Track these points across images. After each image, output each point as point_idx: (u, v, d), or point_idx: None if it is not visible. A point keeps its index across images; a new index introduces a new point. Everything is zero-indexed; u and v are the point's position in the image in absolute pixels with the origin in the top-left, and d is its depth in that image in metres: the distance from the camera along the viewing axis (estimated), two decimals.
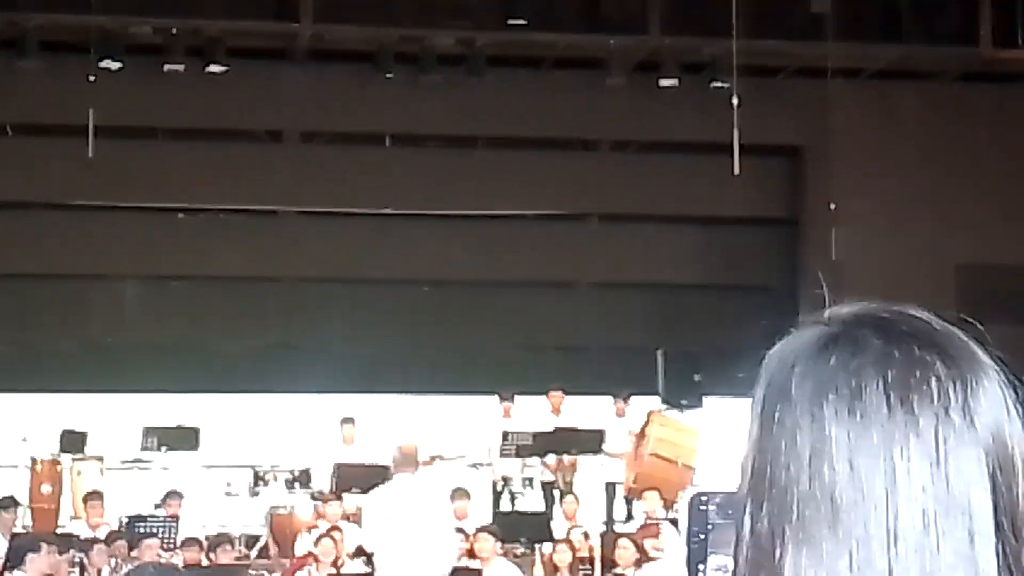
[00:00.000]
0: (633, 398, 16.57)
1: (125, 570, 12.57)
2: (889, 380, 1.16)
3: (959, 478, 1.16)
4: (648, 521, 14.17)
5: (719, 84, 17.33)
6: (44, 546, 11.61)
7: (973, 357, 1.20)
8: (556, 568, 13.42)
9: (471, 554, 12.76)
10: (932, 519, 1.15)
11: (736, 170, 16.75)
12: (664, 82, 18.07)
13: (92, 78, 16.46)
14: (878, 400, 1.16)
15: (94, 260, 18.59)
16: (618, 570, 12.67)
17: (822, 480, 1.16)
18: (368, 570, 12.75)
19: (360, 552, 13.32)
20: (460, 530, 12.64)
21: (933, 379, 1.16)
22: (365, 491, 14.34)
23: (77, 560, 12.43)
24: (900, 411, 1.16)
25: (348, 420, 16.06)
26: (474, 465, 15.80)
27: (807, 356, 1.21)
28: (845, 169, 18.20)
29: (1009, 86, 19.12)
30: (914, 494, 1.15)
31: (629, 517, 15.23)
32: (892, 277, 17.62)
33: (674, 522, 13.52)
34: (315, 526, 14.22)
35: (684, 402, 17.12)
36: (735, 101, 16.48)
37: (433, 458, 15.04)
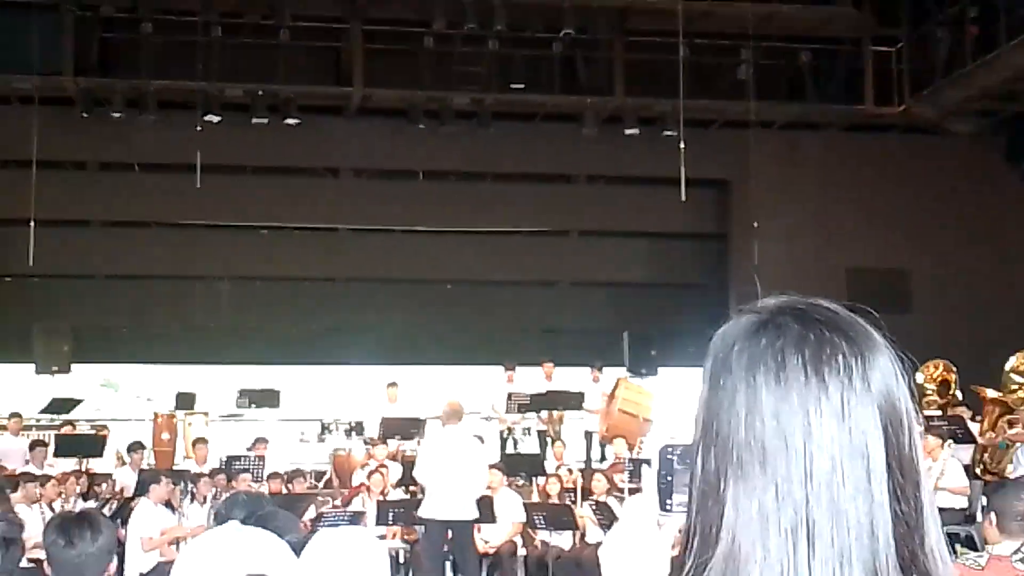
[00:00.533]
0: (605, 368, 16.57)
1: (223, 497, 12.65)
2: (806, 356, 1.17)
3: (859, 430, 1.16)
4: (616, 461, 14.17)
5: (669, 133, 17.19)
6: (163, 479, 11.74)
7: (870, 338, 1.21)
8: (548, 495, 13.25)
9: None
10: (839, 462, 1.15)
11: (683, 197, 16.75)
12: (627, 131, 18.01)
13: (199, 128, 16.54)
14: (797, 371, 1.17)
15: (198, 265, 18.59)
16: (593, 497, 12.45)
17: (755, 432, 1.17)
18: (407, 497, 12.77)
19: (401, 484, 13.27)
20: None
21: (839, 355, 1.17)
22: (404, 438, 14.63)
23: (188, 490, 12.43)
24: (814, 380, 1.16)
25: (392, 384, 16.01)
26: (486, 418, 15.76)
27: (743, 337, 1.21)
28: (761, 197, 18.15)
29: (884, 135, 19.14)
30: (824, 443, 1.15)
31: (602, 458, 15.14)
32: (798, 277, 17.57)
33: (639, 463, 13.61)
34: (366, 464, 14.08)
35: (643, 371, 17.18)
36: (681, 146, 16.35)
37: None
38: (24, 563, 3.13)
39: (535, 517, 12.45)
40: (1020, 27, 16.07)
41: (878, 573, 1.14)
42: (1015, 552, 4.99)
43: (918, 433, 1.23)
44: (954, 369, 13.69)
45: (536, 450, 15.52)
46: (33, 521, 3.89)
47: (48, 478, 11.96)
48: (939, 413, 13.09)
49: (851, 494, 1.14)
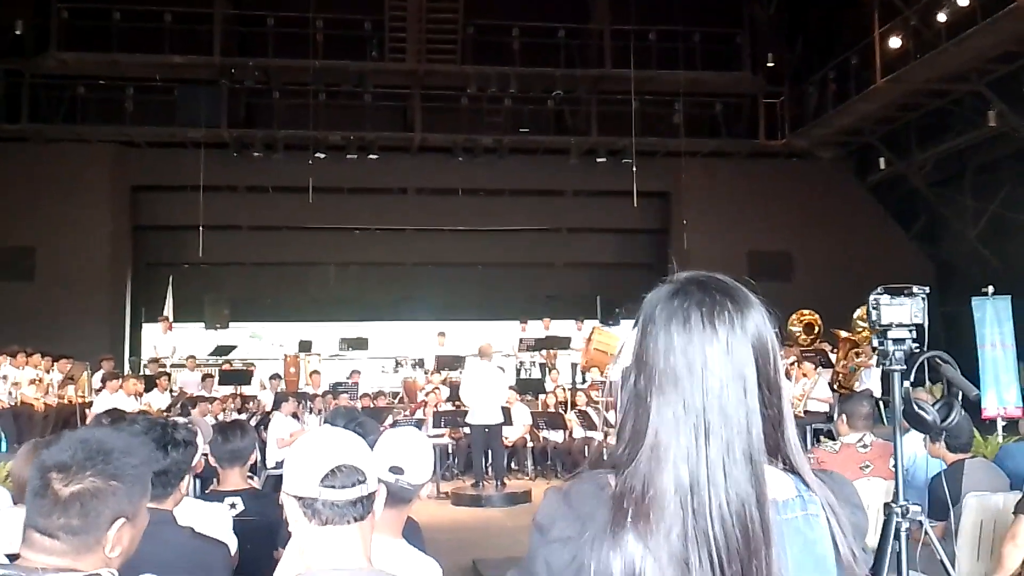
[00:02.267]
0: (586, 321, 16.44)
1: (331, 410, 12.70)
2: (703, 312, 1.19)
3: (739, 361, 1.18)
4: (592, 383, 14.13)
5: (627, 160, 17.10)
6: (291, 399, 11.79)
7: (748, 299, 1.23)
8: (547, 407, 13.33)
9: None
10: (725, 382, 1.17)
11: (635, 204, 16.82)
12: (598, 160, 17.98)
13: (310, 162, 16.67)
14: (698, 322, 1.19)
15: (313, 255, 18.63)
16: (577, 407, 12.46)
17: (669, 363, 1.18)
18: (453, 409, 12.68)
19: (450, 399, 13.20)
20: None
21: (726, 311, 1.20)
22: (450, 369, 14.60)
23: (308, 406, 12.32)
24: (709, 328, 1.18)
25: (441, 333, 16.02)
26: (507, 355, 15.61)
27: (663, 299, 1.23)
28: (690, 203, 18.02)
29: (773, 160, 19.00)
30: (716, 369, 1.17)
31: (584, 381, 15.05)
32: (715, 258, 17.54)
33: (608, 384, 13.53)
34: (425, 388, 14.09)
35: (611, 322, 17.09)
36: (634, 170, 16.45)
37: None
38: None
39: (539, 421, 12.51)
40: (864, 86, 15.95)
41: (752, 456, 1.15)
42: (858, 441, 5.01)
43: (781, 362, 1.24)
44: (818, 317, 13.68)
45: (539, 376, 15.47)
46: (205, 429, 3.93)
47: (214, 399, 12.11)
48: (809, 348, 13.11)
49: (734, 404, 1.16)
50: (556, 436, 12.26)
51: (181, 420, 3.95)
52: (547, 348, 15.57)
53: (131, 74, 17.03)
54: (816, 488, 1.22)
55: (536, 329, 16.32)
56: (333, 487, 1.71)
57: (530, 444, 12.55)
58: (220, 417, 10.86)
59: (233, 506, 3.53)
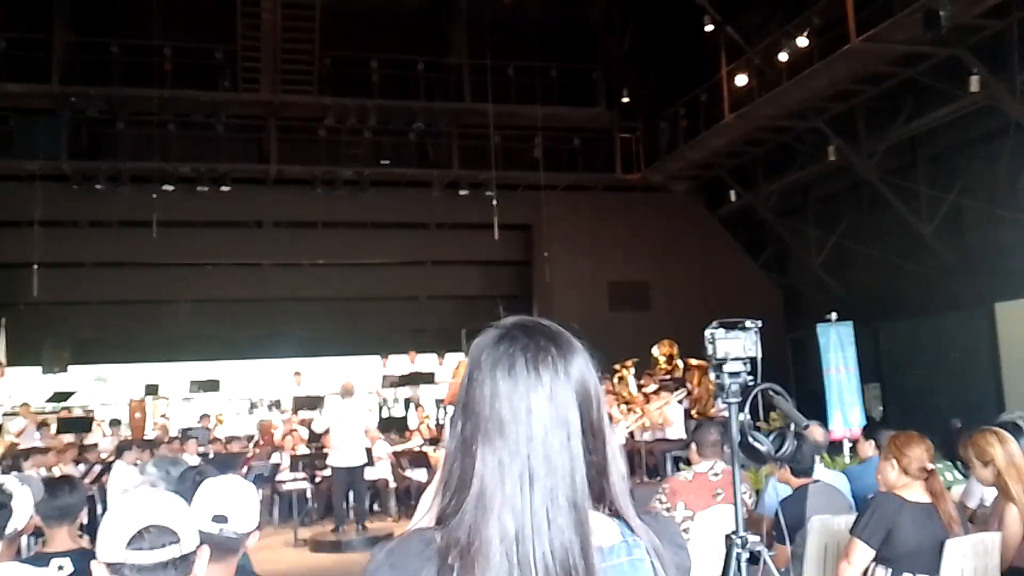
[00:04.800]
0: (448, 355, 16.28)
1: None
2: (527, 357, 1.19)
3: (562, 407, 1.19)
4: None
5: (488, 193, 17.27)
6: (135, 446, 11.07)
7: (571, 344, 1.23)
8: (410, 442, 13.22)
9: None
10: (549, 428, 1.17)
11: (496, 236, 16.96)
12: (461, 192, 18.02)
13: (154, 195, 16.04)
14: (523, 368, 1.19)
15: (163, 292, 17.86)
16: (442, 443, 12.35)
17: (495, 410, 1.18)
18: (311, 452, 12.41)
19: (310, 440, 12.81)
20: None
21: (550, 357, 1.20)
22: (311, 409, 14.02)
23: (153, 453, 11.71)
24: (534, 373, 1.19)
25: (297, 373, 15.65)
26: (369, 392, 15.26)
27: (489, 345, 1.23)
28: (551, 235, 18.33)
29: (630, 193, 19.46)
30: (540, 416, 1.17)
31: (447, 417, 14.90)
32: (576, 288, 18.03)
33: None
34: (280, 429, 13.80)
35: None
36: (495, 203, 16.63)
37: None
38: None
39: (402, 460, 12.30)
40: (713, 122, 16.70)
41: (576, 502, 1.16)
42: (710, 469, 5.13)
43: (604, 407, 1.25)
44: (676, 345, 14.08)
45: (402, 413, 15.22)
46: (35, 486, 3.66)
47: (49, 450, 11.35)
48: (668, 376, 13.45)
49: (557, 450, 1.16)
50: (420, 475, 12.06)
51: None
52: (411, 384, 15.38)
53: None
54: (641, 532, 1.22)
55: (400, 363, 16.11)
56: (140, 549, 1.63)
57: (393, 484, 12.32)
58: (56, 470, 10.18)
59: (61, 568, 3.33)
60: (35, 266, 15.24)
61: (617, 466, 1.23)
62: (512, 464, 1.15)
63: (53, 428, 13.07)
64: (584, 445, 1.19)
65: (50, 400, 15.10)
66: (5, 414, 13.86)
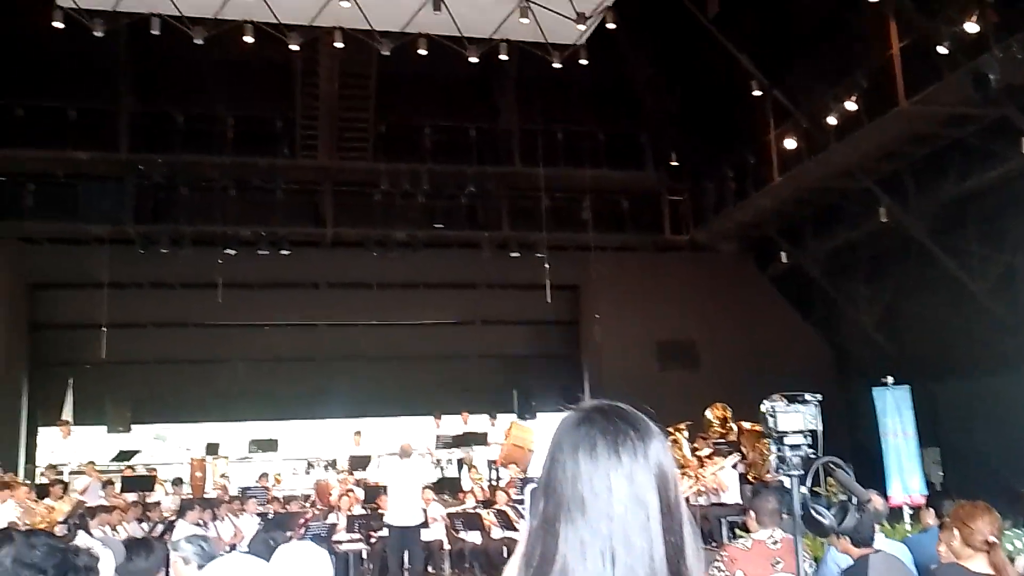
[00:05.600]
0: (500, 415, 16.28)
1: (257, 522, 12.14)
2: (608, 440, 1.23)
3: (641, 488, 1.22)
4: (510, 480, 14.02)
5: (539, 255, 17.39)
6: (197, 505, 11.44)
7: (648, 427, 1.26)
8: (463, 503, 13.18)
9: None
10: (628, 508, 1.21)
11: (548, 299, 17.02)
12: (511, 254, 18.16)
13: (220, 261, 16.40)
14: (603, 450, 1.22)
15: (221, 351, 18.14)
16: (496, 506, 12.27)
17: (577, 490, 1.21)
18: (367, 512, 12.48)
19: (365, 501, 12.89)
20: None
21: (629, 440, 1.23)
22: (364, 469, 14.35)
23: (214, 514, 11.86)
24: (614, 456, 1.22)
25: (357, 432, 15.69)
26: (422, 454, 15.12)
27: (570, 427, 1.26)
28: (600, 296, 18.33)
29: (678, 253, 19.47)
30: (619, 497, 1.21)
31: (498, 479, 14.87)
32: (625, 348, 17.96)
33: (526, 481, 13.42)
34: (338, 489, 13.71)
35: (527, 416, 17.04)
36: (546, 265, 16.72)
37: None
38: None
39: (455, 521, 12.28)
40: (761, 183, 16.75)
41: None
42: (768, 537, 5.10)
43: (680, 487, 1.28)
44: (729, 408, 13.93)
45: (455, 474, 15.17)
46: (117, 548, 3.75)
47: (113, 508, 11.56)
48: (721, 439, 13.29)
49: (637, 530, 1.21)
50: (474, 537, 12.03)
51: (84, 544, 3.84)
52: (464, 445, 15.33)
53: (33, 169, 16.69)
54: None
55: (452, 424, 16.08)
56: None
57: (447, 546, 12.30)
58: (121, 528, 10.38)
59: None
60: (103, 327, 15.61)
61: (693, 546, 1.26)
62: (593, 543, 1.19)
63: (117, 486, 13.30)
64: (662, 525, 1.22)
65: (115, 459, 15.39)
66: (71, 472, 14.14)
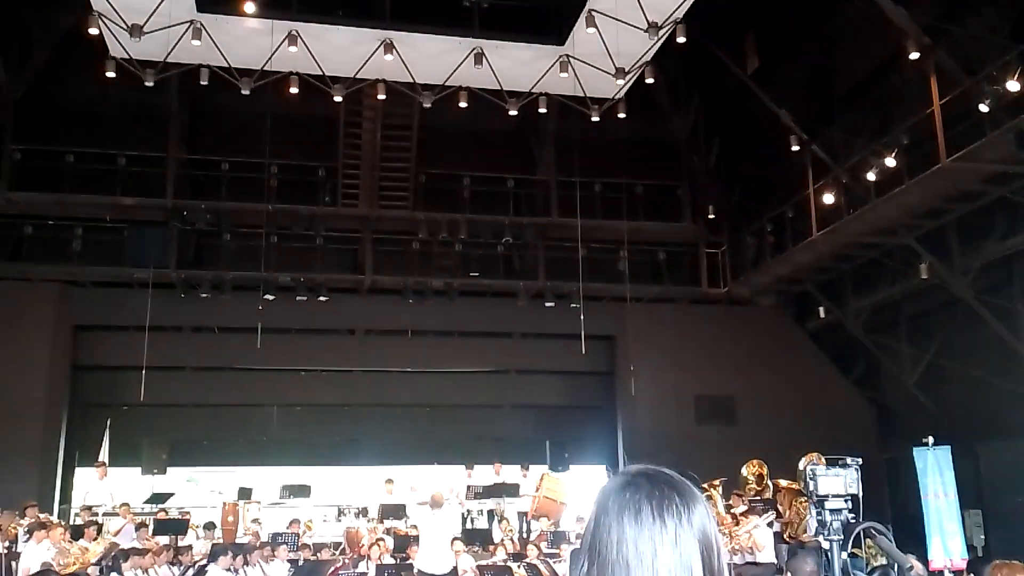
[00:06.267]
0: (532, 466, 16.18)
1: (272, 564, 12.20)
2: (653, 505, 1.24)
3: (686, 553, 1.22)
4: (541, 533, 13.84)
5: (574, 305, 17.33)
6: (229, 551, 11.33)
7: (692, 493, 1.28)
8: (494, 555, 12.95)
9: None
10: (673, 573, 1.21)
11: (583, 350, 16.97)
12: (547, 304, 18.18)
13: (260, 308, 16.56)
14: (648, 515, 1.23)
15: (256, 396, 18.22)
16: (526, 560, 12.08)
17: (621, 554, 1.22)
18: (396, 562, 12.43)
19: (396, 551, 12.80)
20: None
21: (674, 505, 1.24)
22: (397, 519, 14.30)
23: (245, 560, 11.69)
24: (659, 520, 1.23)
25: (388, 480, 15.62)
26: (451, 503, 15.06)
27: (615, 491, 1.28)
28: (636, 348, 18.24)
29: (715, 306, 19.38)
30: (665, 561, 1.21)
31: (529, 531, 14.69)
32: (661, 401, 17.81)
33: (559, 535, 13.40)
34: (369, 537, 13.56)
35: (560, 467, 16.95)
36: (582, 316, 16.70)
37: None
38: None
39: (486, 574, 12.08)
40: (800, 237, 16.65)
41: None
42: None
43: (724, 553, 1.30)
44: (765, 465, 13.68)
45: (486, 525, 15.00)
46: None
47: (147, 551, 11.58)
48: (757, 497, 13.04)
49: None
50: None
51: None
52: (495, 495, 15.20)
53: (81, 214, 17.10)
54: None
55: (484, 474, 15.98)
56: None
57: None
58: (152, 571, 10.40)
59: None
60: (143, 369, 15.81)
61: None
62: None
63: (150, 529, 13.31)
64: None
65: (148, 500, 15.45)
66: (105, 513, 14.22)
